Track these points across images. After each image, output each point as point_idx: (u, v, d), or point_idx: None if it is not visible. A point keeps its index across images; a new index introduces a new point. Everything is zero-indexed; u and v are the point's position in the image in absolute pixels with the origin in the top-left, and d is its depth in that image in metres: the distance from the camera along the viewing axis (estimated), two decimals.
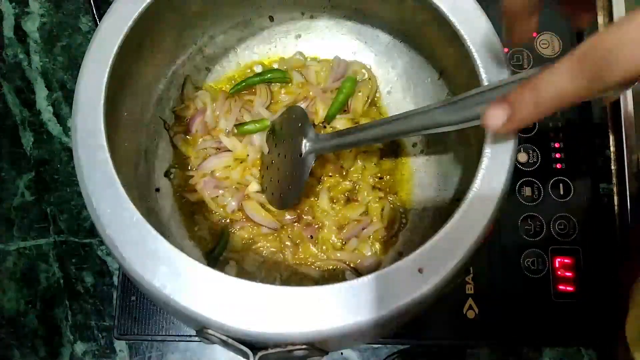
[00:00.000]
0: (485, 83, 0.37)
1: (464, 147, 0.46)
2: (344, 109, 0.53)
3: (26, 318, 0.52)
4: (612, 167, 0.56)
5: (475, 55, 0.38)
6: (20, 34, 0.60)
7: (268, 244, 0.49)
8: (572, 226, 0.51)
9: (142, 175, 0.47)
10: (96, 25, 0.43)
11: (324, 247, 0.49)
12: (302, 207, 0.50)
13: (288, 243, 0.48)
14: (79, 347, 0.51)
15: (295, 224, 0.49)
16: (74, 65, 0.59)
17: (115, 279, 0.52)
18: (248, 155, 0.51)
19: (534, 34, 0.57)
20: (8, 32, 0.60)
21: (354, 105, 0.53)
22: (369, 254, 0.49)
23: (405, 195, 0.51)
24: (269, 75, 0.53)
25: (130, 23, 0.38)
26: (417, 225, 0.49)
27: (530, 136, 0.54)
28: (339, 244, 0.49)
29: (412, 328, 0.49)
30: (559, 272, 0.50)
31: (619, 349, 0.47)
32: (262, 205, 0.49)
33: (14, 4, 0.61)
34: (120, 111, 0.42)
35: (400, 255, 0.48)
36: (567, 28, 0.57)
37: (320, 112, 0.52)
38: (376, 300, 0.31)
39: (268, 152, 0.50)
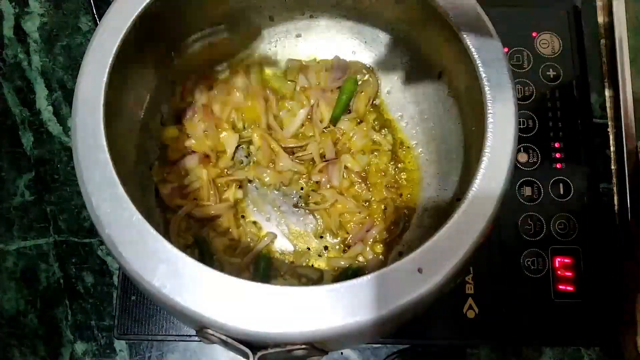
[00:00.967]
0: (486, 83, 0.37)
1: (463, 148, 0.46)
2: (347, 109, 0.53)
3: (26, 318, 0.52)
4: (612, 167, 0.56)
5: (475, 55, 0.38)
6: (20, 34, 0.60)
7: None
8: (572, 226, 0.51)
9: (142, 175, 0.47)
10: (96, 25, 0.43)
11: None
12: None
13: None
14: (79, 347, 0.51)
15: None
16: (74, 65, 0.59)
17: (115, 278, 0.52)
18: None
19: (534, 34, 0.57)
20: (8, 32, 0.60)
21: (356, 106, 0.53)
22: (371, 257, 0.49)
23: (408, 195, 0.51)
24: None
25: (130, 23, 0.38)
26: (417, 225, 0.49)
27: (530, 136, 0.54)
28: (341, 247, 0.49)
29: (412, 328, 0.49)
30: (559, 272, 0.50)
31: (625, 353, 0.46)
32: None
33: (14, 3, 0.61)
34: (120, 111, 0.42)
35: (400, 255, 0.48)
36: (567, 28, 0.57)
37: (325, 114, 0.52)
38: (376, 300, 0.31)
39: None
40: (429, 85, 0.50)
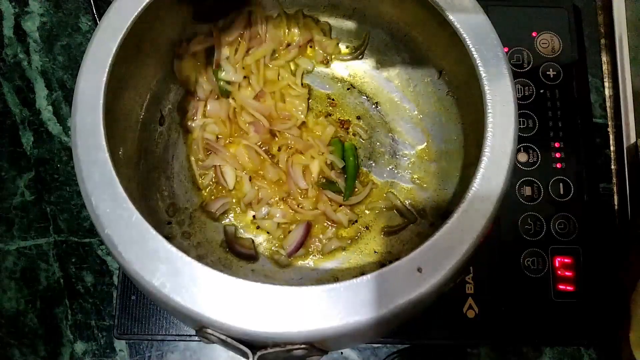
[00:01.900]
0: (486, 82, 0.37)
1: (463, 147, 0.46)
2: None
3: (26, 318, 0.52)
4: (612, 167, 0.56)
5: (475, 55, 0.38)
6: (20, 34, 0.60)
7: None
8: (572, 226, 0.51)
9: (142, 175, 0.47)
10: (96, 24, 0.43)
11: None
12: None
13: None
14: (79, 347, 0.51)
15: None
16: (74, 65, 0.59)
17: (115, 278, 0.52)
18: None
19: (534, 34, 0.57)
20: (8, 31, 0.60)
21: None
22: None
23: (407, 194, 0.51)
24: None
25: (130, 23, 0.38)
26: (417, 224, 0.49)
27: (530, 136, 0.54)
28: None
29: (412, 328, 0.49)
30: (559, 272, 0.50)
31: (622, 352, 0.46)
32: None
33: (13, 3, 0.61)
34: (120, 110, 0.42)
35: (400, 255, 0.48)
36: (567, 28, 0.57)
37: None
38: (375, 299, 0.31)
39: None
40: (428, 85, 0.50)
